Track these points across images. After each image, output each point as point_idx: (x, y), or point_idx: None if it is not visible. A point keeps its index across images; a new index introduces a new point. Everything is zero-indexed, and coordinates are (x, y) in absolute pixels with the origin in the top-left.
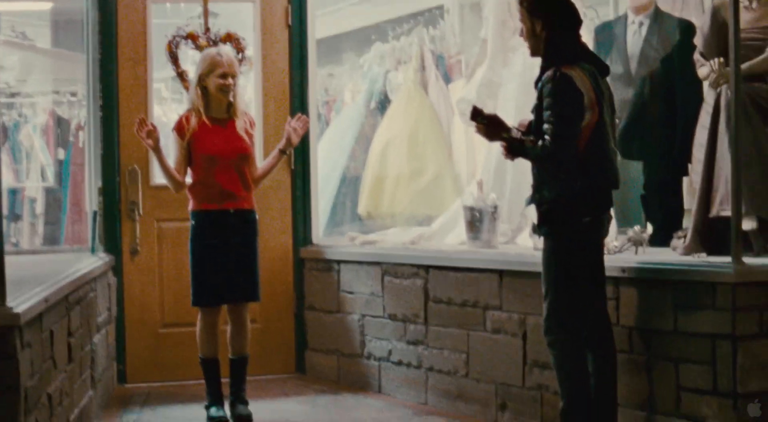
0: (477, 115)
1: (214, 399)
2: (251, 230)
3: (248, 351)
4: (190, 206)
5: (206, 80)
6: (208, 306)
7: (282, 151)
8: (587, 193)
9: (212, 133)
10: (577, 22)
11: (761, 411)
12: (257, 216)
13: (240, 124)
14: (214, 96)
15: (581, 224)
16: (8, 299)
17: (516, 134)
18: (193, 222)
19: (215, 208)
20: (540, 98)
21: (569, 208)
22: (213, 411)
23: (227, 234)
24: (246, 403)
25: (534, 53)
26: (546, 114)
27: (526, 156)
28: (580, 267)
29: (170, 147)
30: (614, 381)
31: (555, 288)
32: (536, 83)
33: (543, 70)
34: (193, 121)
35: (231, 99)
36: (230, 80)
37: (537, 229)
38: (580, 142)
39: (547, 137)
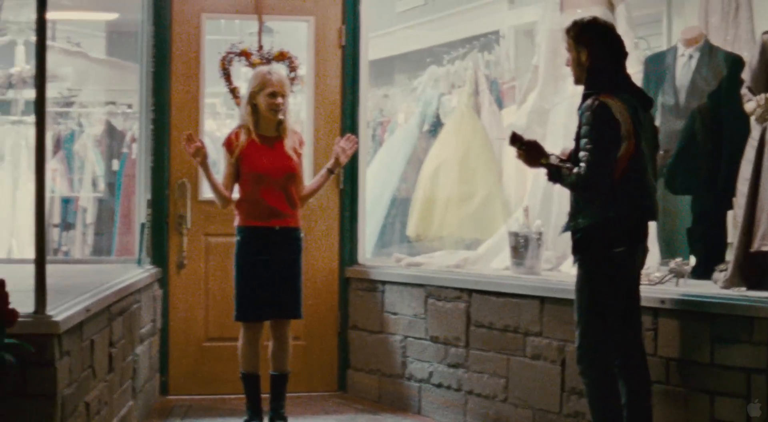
0: (515, 140)
1: (254, 414)
2: (296, 248)
3: (289, 368)
4: (236, 222)
5: (256, 98)
6: (251, 321)
7: (330, 171)
8: (621, 222)
9: (260, 151)
10: (623, 53)
11: (761, 411)
12: (302, 235)
13: (289, 143)
14: (263, 114)
15: (614, 254)
16: (49, 308)
17: (555, 161)
18: (238, 237)
19: (261, 224)
20: (580, 125)
21: (602, 236)
22: None
23: (271, 251)
24: (285, 419)
25: (578, 82)
26: (583, 141)
27: (562, 182)
28: (611, 297)
29: (220, 162)
30: (649, 411)
31: (586, 317)
32: (578, 111)
33: (584, 98)
34: (242, 138)
35: (281, 117)
36: (279, 99)
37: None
38: (616, 172)
39: (582, 165)
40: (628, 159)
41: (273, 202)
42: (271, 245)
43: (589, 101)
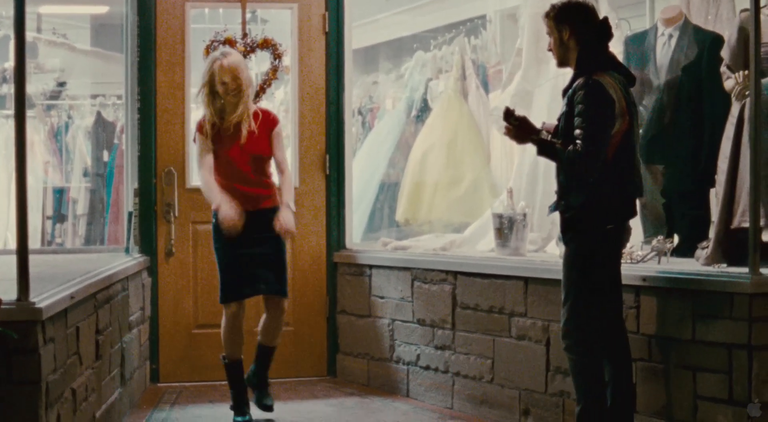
0: (509, 115)
1: (238, 404)
2: (272, 227)
3: (277, 342)
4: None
5: (214, 84)
6: (234, 300)
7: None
8: (613, 200)
9: (226, 137)
10: (607, 32)
11: (761, 411)
12: None
13: (254, 125)
14: (225, 99)
15: (606, 231)
16: (33, 295)
17: (545, 136)
18: (214, 220)
19: None
20: (569, 105)
21: (595, 214)
22: (239, 418)
23: (248, 234)
24: (271, 408)
25: (561, 64)
26: (578, 120)
27: (555, 158)
28: (600, 275)
29: (194, 150)
30: (631, 388)
31: (574, 295)
32: (565, 91)
33: (575, 77)
34: (206, 126)
35: (237, 99)
36: (229, 83)
37: (561, 236)
38: (609, 149)
39: (578, 142)
40: (621, 136)
41: (244, 187)
42: (246, 228)
43: (581, 80)
